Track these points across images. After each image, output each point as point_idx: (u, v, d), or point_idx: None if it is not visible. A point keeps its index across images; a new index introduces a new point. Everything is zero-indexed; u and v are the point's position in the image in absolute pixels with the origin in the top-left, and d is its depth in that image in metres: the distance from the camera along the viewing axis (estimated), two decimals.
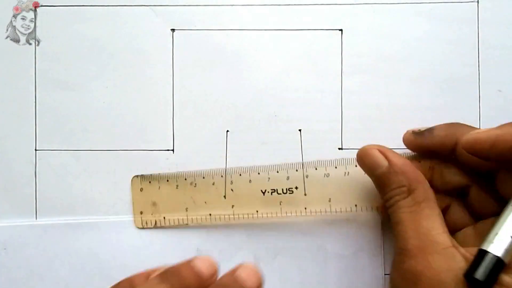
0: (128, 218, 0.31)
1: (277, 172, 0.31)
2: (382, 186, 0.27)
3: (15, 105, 0.32)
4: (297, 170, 0.31)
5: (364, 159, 0.28)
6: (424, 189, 0.26)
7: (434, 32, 0.31)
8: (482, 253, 0.22)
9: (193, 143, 0.32)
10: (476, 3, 0.31)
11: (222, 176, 0.31)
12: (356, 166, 0.29)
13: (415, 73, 0.31)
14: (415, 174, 0.26)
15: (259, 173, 0.31)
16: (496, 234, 0.23)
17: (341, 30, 0.32)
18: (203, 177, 0.31)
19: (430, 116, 0.31)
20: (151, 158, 0.31)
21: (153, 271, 0.24)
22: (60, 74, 0.32)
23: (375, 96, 0.32)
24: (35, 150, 0.32)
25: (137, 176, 0.31)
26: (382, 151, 0.27)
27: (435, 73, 0.31)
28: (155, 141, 0.32)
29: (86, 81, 0.32)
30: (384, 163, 0.27)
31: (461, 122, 0.28)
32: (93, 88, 0.32)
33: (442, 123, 0.29)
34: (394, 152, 0.27)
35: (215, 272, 0.24)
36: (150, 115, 0.32)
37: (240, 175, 0.31)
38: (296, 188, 0.30)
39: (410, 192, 0.26)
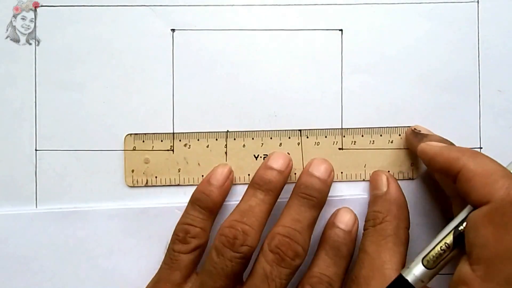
0: (115, 206, 0.31)
1: (271, 138, 0.31)
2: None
3: (15, 105, 0.32)
4: (289, 138, 0.31)
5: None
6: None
7: (434, 32, 0.31)
8: (399, 278, 0.25)
9: (193, 143, 0.32)
10: (476, 3, 0.31)
11: (216, 139, 0.31)
12: (344, 136, 0.31)
13: (415, 73, 0.31)
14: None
15: (253, 138, 0.31)
16: (413, 261, 0.25)
17: (341, 30, 0.32)
18: (198, 140, 0.31)
19: (430, 116, 0.31)
20: (151, 158, 0.32)
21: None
22: (60, 74, 0.32)
23: (375, 96, 0.32)
24: (35, 150, 0.32)
25: (130, 134, 0.31)
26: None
27: (435, 73, 0.31)
28: (155, 141, 0.32)
29: (86, 81, 0.32)
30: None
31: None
32: (93, 88, 0.32)
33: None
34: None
35: (289, 162, 0.30)
36: (150, 115, 0.32)
37: (235, 139, 0.31)
38: (288, 154, 0.31)
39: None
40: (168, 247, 0.29)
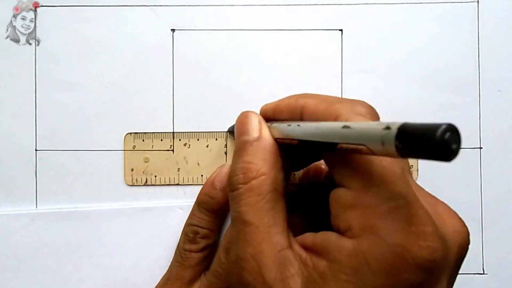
0: (116, 206, 0.31)
1: None
2: (235, 157, 0.24)
3: (15, 105, 0.32)
4: None
5: (240, 120, 0.25)
6: (275, 177, 0.23)
7: (434, 32, 0.31)
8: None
9: (193, 143, 0.32)
10: (476, 3, 0.31)
11: (216, 139, 0.31)
12: None
13: (415, 73, 0.31)
14: (271, 157, 0.23)
15: None
16: None
17: (341, 30, 0.32)
18: (198, 139, 0.31)
19: (430, 116, 0.31)
20: (151, 158, 0.32)
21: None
22: (60, 74, 0.32)
23: (375, 96, 0.32)
24: (35, 150, 0.32)
25: (130, 133, 0.32)
26: (261, 123, 0.25)
27: (435, 73, 0.31)
28: (155, 140, 0.32)
29: (86, 81, 0.32)
30: (254, 134, 0.24)
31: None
32: (93, 88, 0.32)
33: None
34: (272, 129, 0.24)
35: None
36: (150, 115, 0.32)
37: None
38: None
39: (257, 176, 0.23)
40: (178, 246, 0.30)
